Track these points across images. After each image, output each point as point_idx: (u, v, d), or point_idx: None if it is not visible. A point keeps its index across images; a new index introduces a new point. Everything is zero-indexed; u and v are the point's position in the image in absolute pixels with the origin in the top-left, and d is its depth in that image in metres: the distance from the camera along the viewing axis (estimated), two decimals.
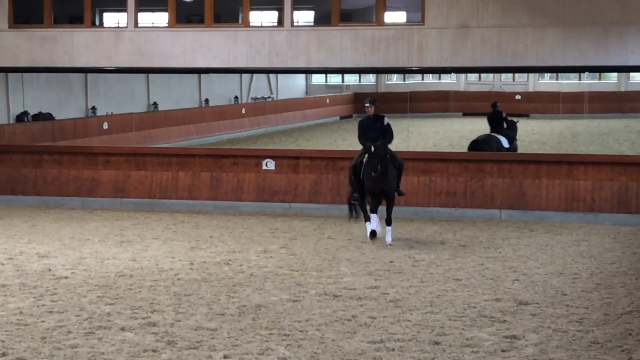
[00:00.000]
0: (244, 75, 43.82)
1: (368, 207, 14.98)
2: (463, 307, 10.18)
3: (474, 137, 23.42)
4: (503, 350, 8.47)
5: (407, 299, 10.63)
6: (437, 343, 8.69)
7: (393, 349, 8.46)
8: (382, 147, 14.47)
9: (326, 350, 8.43)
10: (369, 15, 19.64)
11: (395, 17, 20.58)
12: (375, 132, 14.76)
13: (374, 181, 14.50)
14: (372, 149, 14.47)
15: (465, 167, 18.18)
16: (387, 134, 14.90)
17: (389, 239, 14.61)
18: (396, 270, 12.45)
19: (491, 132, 22.99)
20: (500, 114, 23.32)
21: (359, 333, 9.04)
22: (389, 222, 14.77)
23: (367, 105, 15.10)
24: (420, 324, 9.43)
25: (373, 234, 14.78)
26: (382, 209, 14.90)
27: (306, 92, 54.35)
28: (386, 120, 15.06)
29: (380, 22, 18.32)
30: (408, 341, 8.74)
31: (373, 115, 15.00)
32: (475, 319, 9.64)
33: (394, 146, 15.17)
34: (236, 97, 44.77)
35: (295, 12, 19.26)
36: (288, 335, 8.91)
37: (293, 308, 10.12)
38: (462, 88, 54.22)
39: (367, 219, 15.02)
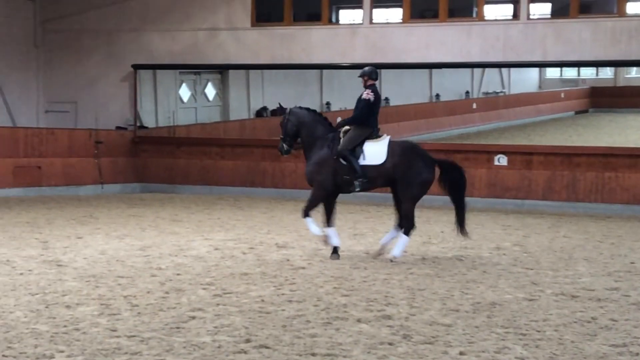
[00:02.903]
0: (475, 69, 43.39)
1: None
2: None
3: None
4: None
5: None
6: None
7: (637, 354, 8.09)
8: (289, 116, 13.04)
9: (565, 351, 8.18)
10: (610, 6, 18.90)
11: (638, 7, 19.70)
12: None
13: None
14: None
15: None
16: (354, 111, 12.42)
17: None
18: (638, 271, 11.90)
19: None
20: None
21: (600, 336, 8.71)
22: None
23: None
24: None
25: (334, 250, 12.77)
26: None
27: (539, 86, 53.02)
28: (364, 94, 12.37)
29: (622, 13, 17.59)
30: None
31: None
32: None
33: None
34: (467, 92, 44.41)
35: (531, 5, 18.87)
36: (525, 335, 8.73)
37: (529, 307, 9.91)
38: None
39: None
